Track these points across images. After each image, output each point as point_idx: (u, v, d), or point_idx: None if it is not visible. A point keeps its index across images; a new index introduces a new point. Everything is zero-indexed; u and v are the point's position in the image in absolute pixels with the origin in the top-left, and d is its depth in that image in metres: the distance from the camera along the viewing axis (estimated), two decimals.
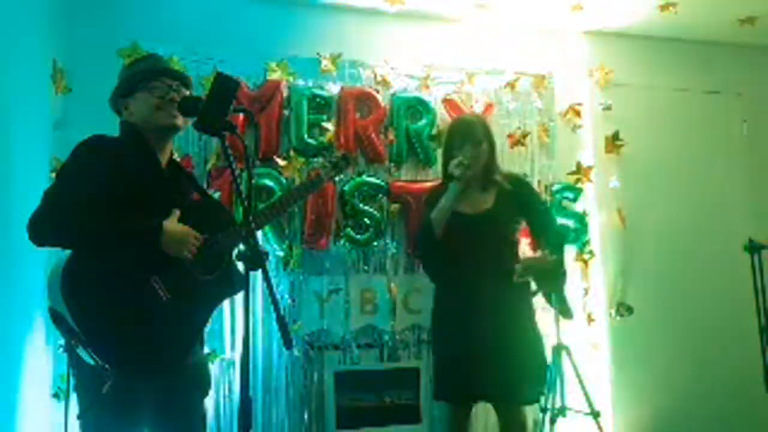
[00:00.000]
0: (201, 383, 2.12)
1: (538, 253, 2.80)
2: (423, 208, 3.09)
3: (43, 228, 1.85)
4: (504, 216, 2.71)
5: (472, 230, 2.67)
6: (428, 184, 3.56)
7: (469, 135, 2.76)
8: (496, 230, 2.69)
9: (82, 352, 1.81)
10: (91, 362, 1.80)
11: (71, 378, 1.99)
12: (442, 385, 2.76)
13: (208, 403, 3.18)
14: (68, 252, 1.87)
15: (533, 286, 2.95)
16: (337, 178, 3.05)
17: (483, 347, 2.58)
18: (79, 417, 1.90)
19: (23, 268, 2.53)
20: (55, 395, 2.92)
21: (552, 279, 2.90)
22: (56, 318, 1.83)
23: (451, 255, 2.70)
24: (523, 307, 2.73)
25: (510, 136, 3.83)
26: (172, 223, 1.96)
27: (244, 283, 2.11)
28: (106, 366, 1.79)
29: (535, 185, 3.81)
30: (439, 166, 3.54)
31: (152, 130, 2.07)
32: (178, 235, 1.95)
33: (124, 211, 1.88)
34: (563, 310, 3.09)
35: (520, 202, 2.76)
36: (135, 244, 1.90)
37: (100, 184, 1.89)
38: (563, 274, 3.00)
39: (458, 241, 2.66)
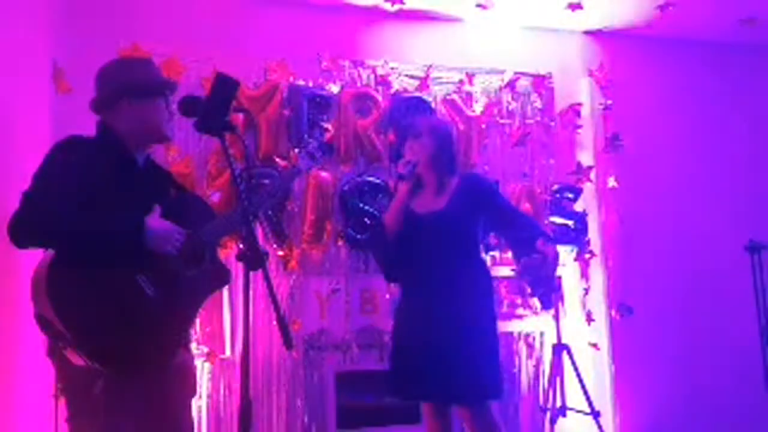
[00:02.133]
0: (188, 384, 2.12)
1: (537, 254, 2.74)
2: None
3: (24, 230, 1.83)
4: (457, 215, 2.67)
5: (424, 230, 2.64)
6: None
7: (409, 130, 2.75)
8: (448, 230, 2.65)
9: (72, 355, 1.80)
10: (81, 364, 1.79)
11: (59, 382, 1.98)
12: (396, 384, 2.71)
13: (209, 403, 3.22)
14: (48, 255, 1.85)
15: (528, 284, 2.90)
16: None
17: (439, 348, 2.54)
18: (68, 420, 1.90)
19: (23, 268, 2.52)
20: (55, 395, 2.92)
21: (549, 273, 2.82)
22: (44, 323, 1.82)
23: (405, 255, 2.68)
24: (482, 305, 2.68)
25: (510, 136, 3.84)
26: (154, 220, 1.95)
27: (228, 278, 2.14)
28: (97, 366, 1.78)
29: (535, 185, 3.83)
30: None
31: (147, 136, 2.08)
32: (162, 230, 1.94)
33: (104, 210, 1.87)
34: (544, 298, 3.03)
35: (475, 199, 2.70)
36: (119, 242, 1.88)
37: (79, 184, 1.87)
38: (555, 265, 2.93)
39: (410, 241, 2.64)
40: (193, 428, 2.12)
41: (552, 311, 3.44)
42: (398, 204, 2.67)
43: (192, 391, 2.14)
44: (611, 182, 4.01)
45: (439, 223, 2.64)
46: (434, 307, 2.57)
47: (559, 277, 3.69)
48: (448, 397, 2.60)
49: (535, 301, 3.64)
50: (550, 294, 3.02)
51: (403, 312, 2.71)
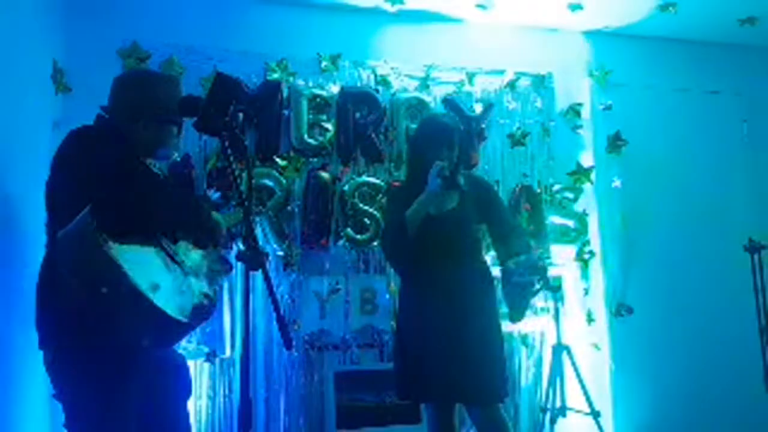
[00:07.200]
0: (184, 384, 2.13)
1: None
2: (387, 207, 3.03)
3: (160, 211, 1.84)
4: (467, 216, 2.69)
5: (436, 229, 2.64)
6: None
7: (445, 139, 2.73)
8: (460, 229, 2.66)
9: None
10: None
11: (57, 387, 1.97)
12: (405, 386, 2.71)
13: (209, 403, 3.22)
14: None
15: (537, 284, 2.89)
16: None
17: (447, 346, 2.55)
18: (66, 425, 1.90)
19: (23, 267, 2.52)
20: (55, 396, 2.92)
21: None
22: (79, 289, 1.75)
23: (417, 254, 2.68)
24: (487, 304, 2.69)
25: (510, 136, 3.84)
26: None
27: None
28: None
29: (535, 185, 3.83)
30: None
31: (149, 152, 2.08)
32: None
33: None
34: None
35: (480, 205, 2.72)
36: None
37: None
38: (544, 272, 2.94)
39: (423, 240, 2.64)
40: (190, 427, 2.12)
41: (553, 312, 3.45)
42: (427, 204, 2.63)
43: (188, 391, 2.15)
44: (615, 182, 4.00)
45: (454, 220, 2.65)
46: (445, 308, 2.57)
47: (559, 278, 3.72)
48: (463, 397, 2.60)
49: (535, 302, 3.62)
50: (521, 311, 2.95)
51: (410, 312, 2.71)
